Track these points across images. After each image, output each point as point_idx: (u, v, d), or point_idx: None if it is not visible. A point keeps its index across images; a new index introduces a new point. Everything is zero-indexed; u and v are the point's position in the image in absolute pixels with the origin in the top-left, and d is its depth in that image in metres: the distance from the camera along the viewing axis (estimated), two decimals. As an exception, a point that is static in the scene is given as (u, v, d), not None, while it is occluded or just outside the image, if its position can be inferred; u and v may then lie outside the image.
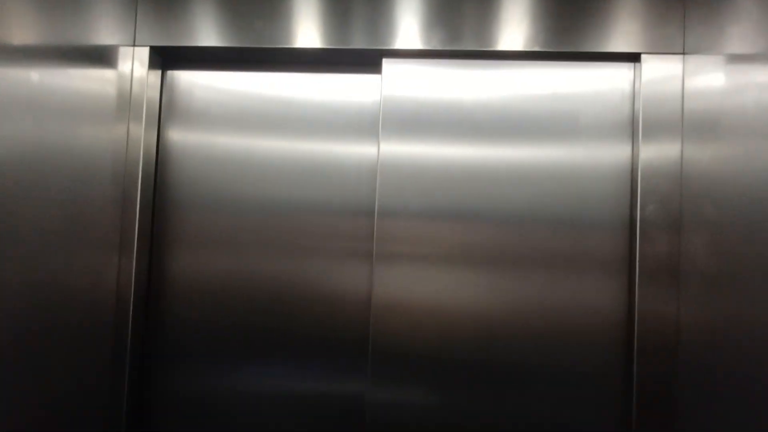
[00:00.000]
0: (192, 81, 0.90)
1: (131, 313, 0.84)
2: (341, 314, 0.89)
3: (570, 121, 0.86)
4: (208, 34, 0.82)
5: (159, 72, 0.88)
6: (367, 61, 0.88)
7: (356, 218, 0.89)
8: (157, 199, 0.90)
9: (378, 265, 0.85)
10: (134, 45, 0.82)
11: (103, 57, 0.75)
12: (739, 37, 0.65)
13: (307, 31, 0.83)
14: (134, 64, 0.81)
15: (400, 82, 0.87)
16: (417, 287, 0.85)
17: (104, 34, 0.76)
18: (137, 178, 0.84)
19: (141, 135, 0.84)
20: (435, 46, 0.84)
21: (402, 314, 0.84)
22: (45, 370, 0.70)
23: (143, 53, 0.82)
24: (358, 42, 0.83)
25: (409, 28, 0.83)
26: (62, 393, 0.74)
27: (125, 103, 0.82)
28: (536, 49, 0.83)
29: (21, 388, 0.65)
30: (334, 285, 0.89)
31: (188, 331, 0.90)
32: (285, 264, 0.89)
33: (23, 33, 0.62)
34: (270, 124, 0.90)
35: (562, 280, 0.84)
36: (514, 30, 0.83)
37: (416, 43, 0.84)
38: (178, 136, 0.91)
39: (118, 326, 0.84)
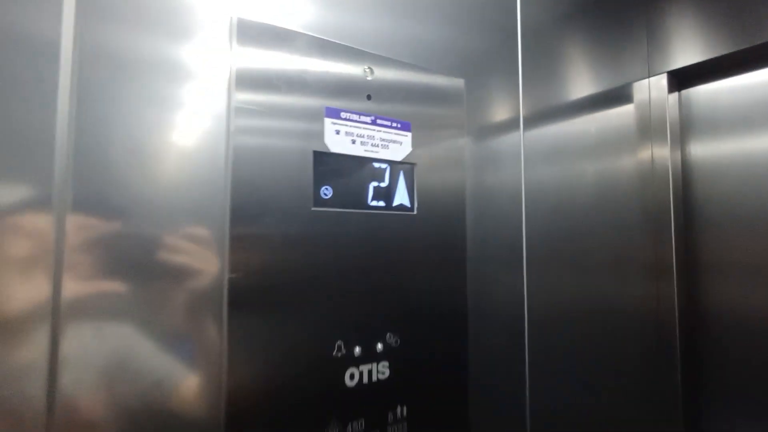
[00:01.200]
0: (707, 93, 0.84)
1: (676, 340, 0.82)
2: None
3: None
4: (715, 46, 0.79)
5: (674, 93, 0.87)
6: None
7: None
8: (686, 219, 0.85)
9: None
10: (649, 76, 0.86)
11: (622, 95, 0.84)
12: None
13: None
14: (651, 92, 0.86)
15: None
16: None
17: (622, 75, 0.84)
18: (667, 200, 0.84)
19: (666, 157, 0.84)
20: None
21: None
22: (599, 373, 0.78)
23: (659, 81, 0.85)
24: None
25: None
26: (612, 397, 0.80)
27: (646, 130, 0.86)
28: None
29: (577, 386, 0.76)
30: None
31: (727, 364, 0.80)
32: None
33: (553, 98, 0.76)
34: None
35: None
36: None
37: None
38: (701, 151, 0.84)
39: (661, 350, 0.84)
